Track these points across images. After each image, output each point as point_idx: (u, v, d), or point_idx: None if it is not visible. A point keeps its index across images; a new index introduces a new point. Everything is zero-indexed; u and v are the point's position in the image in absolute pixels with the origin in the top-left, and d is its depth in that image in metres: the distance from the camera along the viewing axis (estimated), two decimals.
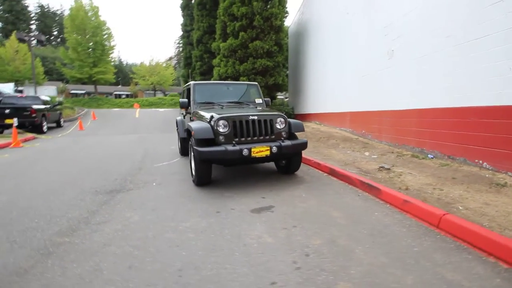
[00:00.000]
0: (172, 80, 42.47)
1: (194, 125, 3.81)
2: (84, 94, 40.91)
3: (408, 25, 5.40)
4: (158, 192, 3.76)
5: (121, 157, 6.33)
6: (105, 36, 29.34)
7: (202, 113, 4.38)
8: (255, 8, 11.58)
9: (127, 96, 43.42)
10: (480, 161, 3.87)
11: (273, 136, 3.97)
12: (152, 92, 41.89)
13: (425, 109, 4.91)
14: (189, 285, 1.78)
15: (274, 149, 3.75)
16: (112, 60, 32.34)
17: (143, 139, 9.49)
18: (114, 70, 32.64)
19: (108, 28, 29.56)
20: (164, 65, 40.72)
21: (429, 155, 4.81)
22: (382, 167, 4.45)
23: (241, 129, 3.80)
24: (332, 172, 4.42)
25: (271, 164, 5.14)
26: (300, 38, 13.68)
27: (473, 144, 3.99)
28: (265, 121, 3.94)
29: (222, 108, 4.60)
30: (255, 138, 3.86)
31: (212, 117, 3.79)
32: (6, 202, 3.42)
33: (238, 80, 12.00)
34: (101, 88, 37.63)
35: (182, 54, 28.79)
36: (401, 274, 1.84)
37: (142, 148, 7.67)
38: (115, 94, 44.27)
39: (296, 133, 4.32)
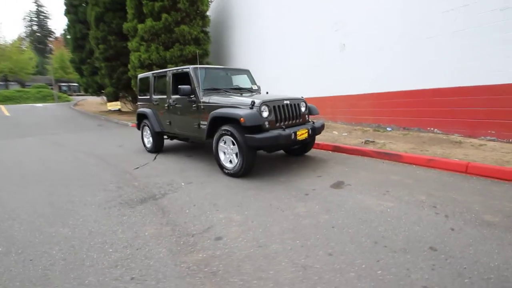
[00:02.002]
0: (33, 68, 33.05)
1: (240, 111, 3.50)
2: None
3: (360, 22, 6.54)
4: (205, 191, 3.29)
5: (72, 165, 4.85)
6: None
7: (221, 99, 4.03)
8: None
9: None
10: (432, 128, 5.36)
11: (300, 119, 4.16)
12: (3, 83, 31.27)
13: (381, 92, 6.20)
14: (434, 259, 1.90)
15: (310, 131, 3.97)
16: None
17: (58, 143, 7.31)
18: None
19: None
20: (14, 46, 31.06)
21: (387, 128, 6.16)
22: (367, 140, 5.40)
23: (280, 113, 3.81)
24: (337, 149, 5.02)
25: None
26: (221, 27, 13.57)
27: (425, 116, 5.44)
28: (295, 105, 4.07)
29: (239, 94, 4.34)
30: (290, 122, 3.95)
31: (253, 102, 3.59)
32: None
33: (165, 67, 10.88)
34: None
35: (67, 34, 22.86)
36: (500, 202, 2.57)
37: (78, 151, 6.02)
38: None
39: None
